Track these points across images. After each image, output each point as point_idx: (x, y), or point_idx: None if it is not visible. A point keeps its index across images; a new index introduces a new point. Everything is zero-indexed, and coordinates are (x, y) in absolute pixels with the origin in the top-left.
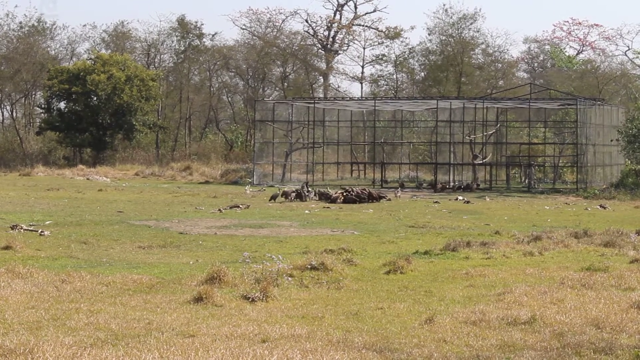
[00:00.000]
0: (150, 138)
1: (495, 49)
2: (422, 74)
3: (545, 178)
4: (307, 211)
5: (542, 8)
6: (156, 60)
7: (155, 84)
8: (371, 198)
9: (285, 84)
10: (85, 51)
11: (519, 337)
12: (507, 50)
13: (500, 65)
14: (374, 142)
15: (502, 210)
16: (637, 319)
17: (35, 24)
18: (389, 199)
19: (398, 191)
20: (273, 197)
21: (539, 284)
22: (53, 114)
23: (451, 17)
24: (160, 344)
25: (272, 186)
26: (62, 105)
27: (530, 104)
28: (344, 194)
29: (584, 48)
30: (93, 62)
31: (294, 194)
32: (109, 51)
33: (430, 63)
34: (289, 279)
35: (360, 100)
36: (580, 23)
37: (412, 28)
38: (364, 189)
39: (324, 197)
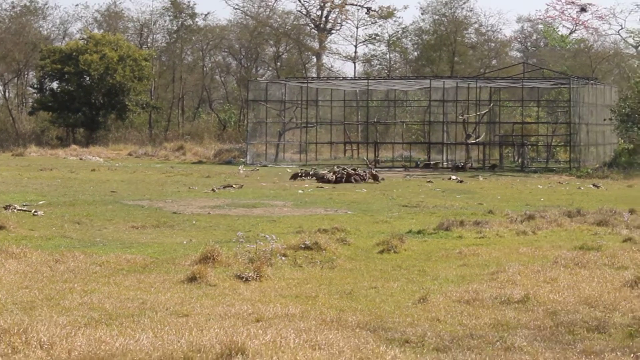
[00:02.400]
0: (143, 118)
1: (489, 28)
2: (415, 53)
3: (539, 157)
4: (300, 191)
5: None
6: (149, 40)
7: (148, 64)
8: (374, 178)
9: (278, 63)
10: (77, 31)
11: (513, 315)
12: (500, 29)
13: (493, 44)
14: (367, 121)
15: (496, 189)
16: (630, 298)
17: (27, 3)
18: (383, 179)
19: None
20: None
21: (532, 263)
22: (45, 94)
23: None
24: (154, 324)
25: (265, 166)
26: (54, 85)
27: (523, 83)
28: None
29: (577, 27)
30: (85, 42)
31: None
32: (102, 31)
33: (423, 42)
34: (283, 258)
35: (353, 79)
36: (573, 2)
37: (405, 7)
38: (369, 170)
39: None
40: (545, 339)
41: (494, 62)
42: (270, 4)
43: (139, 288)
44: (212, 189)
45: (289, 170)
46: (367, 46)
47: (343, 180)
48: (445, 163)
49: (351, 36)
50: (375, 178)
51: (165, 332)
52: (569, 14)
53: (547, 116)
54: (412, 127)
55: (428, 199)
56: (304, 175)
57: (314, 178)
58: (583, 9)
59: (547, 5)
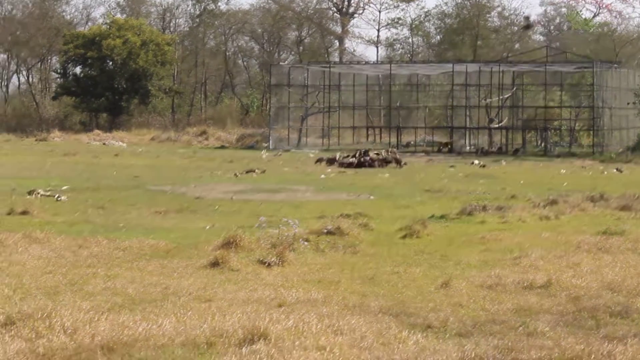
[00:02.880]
0: (166, 103)
1: (512, 11)
2: (438, 37)
3: (562, 142)
4: (322, 176)
5: None
6: (171, 24)
7: (170, 49)
8: (397, 162)
9: (301, 48)
10: (100, 16)
11: (535, 301)
12: (523, 13)
13: (516, 28)
14: (390, 106)
15: (518, 174)
16: None
17: None
18: (405, 163)
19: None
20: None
21: (555, 248)
22: (69, 79)
23: None
24: (177, 309)
25: (287, 150)
26: (77, 70)
27: (547, 67)
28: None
29: (600, 10)
30: (108, 27)
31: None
32: (124, 16)
33: (446, 26)
34: (305, 243)
35: (375, 64)
36: None
37: None
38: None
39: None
40: (568, 324)
41: (517, 46)
42: None
43: (161, 273)
44: (235, 174)
45: (311, 155)
46: (389, 30)
47: (366, 164)
48: (468, 147)
49: (374, 20)
50: (398, 162)
51: (188, 317)
52: None
53: (570, 100)
54: (434, 112)
55: (450, 184)
56: (326, 160)
57: (337, 163)
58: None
59: None
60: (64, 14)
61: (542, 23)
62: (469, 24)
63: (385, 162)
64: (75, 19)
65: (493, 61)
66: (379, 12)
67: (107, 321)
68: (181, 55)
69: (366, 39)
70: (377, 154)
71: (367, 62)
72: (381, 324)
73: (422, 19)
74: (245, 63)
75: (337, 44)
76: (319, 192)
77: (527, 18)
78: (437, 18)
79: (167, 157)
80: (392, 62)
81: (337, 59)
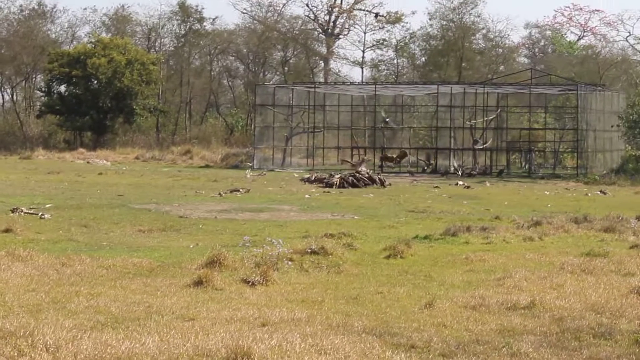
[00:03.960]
0: (150, 122)
1: (496, 34)
2: (423, 59)
3: (546, 163)
4: (307, 195)
5: None
6: (157, 44)
7: (155, 68)
8: (380, 183)
9: (286, 68)
10: (85, 35)
11: (519, 321)
12: (508, 35)
13: (501, 50)
14: (375, 126)
15: (502, 195)
16: (637, 304)
17: (36, 7)
18: (389, 184)
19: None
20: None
21: (539, 269)
22: (53, 98)
23: (452, 2)
24: (160, 327)
25: (272, 170)
26: (62, 88)
27: (531, 89)
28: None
29: (585, 34)
30: (93, 46)
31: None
32: (110, 35)
33: (431, 48)
34: (289, 263)
35: (360, 85)
36: (581, 9)
37: (413, 13)
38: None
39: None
40: (552, 345)
41: (501, 67)
42: (278, 8)
43: (145, 292)
44: (219, 193)
45: (295, 175)
46: (374, 51)
47: (349, 185)
48: (452, 169)
49: (359, 41)
50: (381, 183)
51: (171, 336)
52: (577, 20)
53: (554, 122)
54: (419, 132)
55: (435, 205)
56: (312, 180)
57: (321, 183)
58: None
59: (555, 11)
60: (49, 32)
61: (526, 45)
62: (454, 46)
63: (370, 181)
64: (60, 38)
65: (478, 83)
66: (364, 33)
67: (90, 340)
68: (166, 75)
69: (351, 59)
70: (367, 172)
71: (352, 83)
72: (365, 343)
73: (407, 41)
74: (230, 83)
75: (322, 64)
76: (303, 211)
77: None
78: (422, 40)
79: (151, 175)
80: (377, 83)
81: (322, 80)
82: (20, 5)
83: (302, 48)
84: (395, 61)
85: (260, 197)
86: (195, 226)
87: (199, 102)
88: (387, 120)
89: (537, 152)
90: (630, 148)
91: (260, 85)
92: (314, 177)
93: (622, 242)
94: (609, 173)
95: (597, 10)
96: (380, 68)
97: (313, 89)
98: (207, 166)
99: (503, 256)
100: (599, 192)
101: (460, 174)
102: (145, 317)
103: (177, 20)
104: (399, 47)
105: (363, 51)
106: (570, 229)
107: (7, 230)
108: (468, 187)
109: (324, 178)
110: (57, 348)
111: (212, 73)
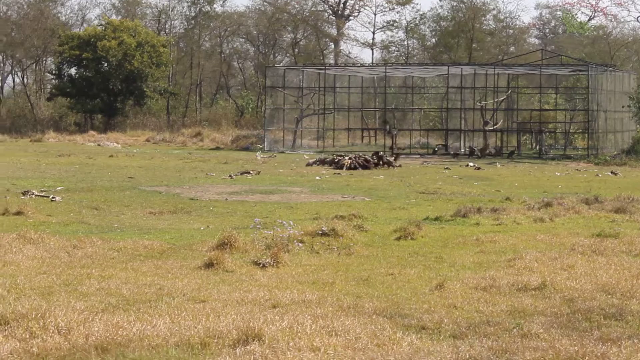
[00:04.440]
0: (161, 104)
1: (507, 14)
2: (433, 40)
3: (556, 144)
4: (317, 177)
5: None
6: (167, 26)
7: (166, 50)
8: (388, 164)
9: (296, 50)
10: (95, 17)
11: (529, 302)
12: (519, 16)
13: (511, 31)
14: (385, 108)
15: (513, 176)
16: None
17: None
18: (400, 165)
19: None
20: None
21: (550, 250)
22: (64, 80)
23: None
24: (172, 309)
25: (282, 152)
26: (72, 71)
27: (542, 70)
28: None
29: (595, 14)
30: (104, 28)
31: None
32: (120, 17)
33: (441, 29)
34: (300, 244)
35: (371, 66)
36: None
37: None
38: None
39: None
40: (562, 326)
41: (512, 48)
42: None
43: (156, 274)
44: (230, 175)
45: (306, 157)
46: (384, 33)
47: (360, 167)
48: (462, 150)
49: (369, 23)
50: (389, 164)
51: (182, 318)
52: (588, 0)
53: (565, 103)
54: (429, 114)
55: (445, 186)
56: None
57: (332, 165)
58: None
59: None
60: (59, 15)
61: (536, 26)
62: (464, 27)
63: (379, 162)
64: (70, 20)
65: (488, 64)
66: (374, 14)
67: (101, 321)
68: (176, 57)
69: (361, 41)
70: (379, 154)
71: (362, 65)
72: (375, 325)
73: (417, 22)
74: (240, 65)
75: (333, 46)
76: (314, 193)
77: None
78: (433, 21)
79: (161, 158)
80: (387, 64)
81: (332, 61)
82: None
83: (312, 30)
84: (405, 42)
85: (271, 179)
86: (205, 208)
87: (209, 84)
88: (391, 127)
89: (547, 133)
90: None
91: (271, 67)
92: (317, 159)
93: (633, 222)
94: (619, 154)
95: None
96: (390, 49)
97: (323, 71)
98: (217, 148)
99: (514, 237)
100: (609, 173)
101: (479, 154)
102: (156, 299)
103: (187, 2)
104: (409, 29)
105: (373, 32)
106: (581, 210)
107: (18, 213)
108: (478, 168)
109: (327, 159)
110: (68, 330)
111: (222, 55)
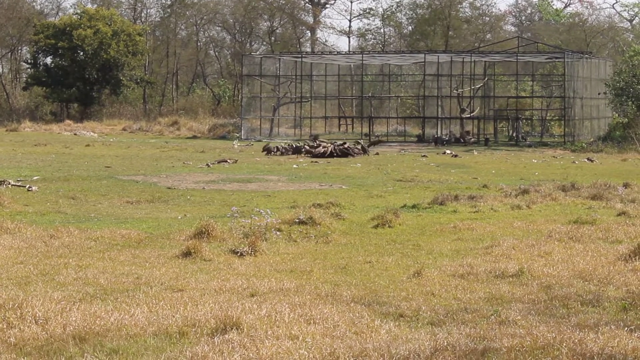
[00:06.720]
0: (137, 93)
1: (483, 2)
2: (410, 27)
3: (533, 131)
4: (295, 165)
5: None
6: (143, 14)
7: (142, 39)
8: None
9: (273, 38)
10: (71, 6)
11: (507, 289)
12: (495, 3)
13: (487, 18)
14: (362, 96)
15: (490, 164)
16: (624, 271)
17: None
18: (377, 153)
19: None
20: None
21: (527, 237)
22: (39, 69)
23: None
24: (149, 299)
25: (259, 141)
26: (48, 60)
27: (518, 57)
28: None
29: (571, 1)
30: (79, 17)
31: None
32: (95, 6)
33: (418, 17)
34: (277, 233)
35: (347, 54)
36: None
37: None
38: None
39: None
40: (540, 313)
41: (488, 36)
42: None
43: (133, 263)
44: (207, 164)
45: (283, 145)
46: (361, 20)
47: (336, 154)
48: (453, 138)
49: (345, 10)
50: (364, 151)
51: (160, 307)
52: None
53: (541, 90)
54: (406, 102)
55: (422, 174)
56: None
57: (305, 153)
58: None
59: None
60: (34, 4)
61: (513, 13)
62: (441, 15)
63: (352, 151)
64: (45, 9)
65: (465, 51)
66: (351, 2)
67: (79, 311)
68: (152, 46)
69: (338, 29)
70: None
71: (339, 52)
72: (353, 313)
73: (393, 10)
74: (216, 53)
75: (309, 34)
76: (291, 181)
77: None
78: (409, 8)
79: (138, 147)
80: (364, 52)
81: (309, 49)
82: None
83: (288, 18)
84: (382, 30)
85: (248, 167)
86: (183, 197)
87: (186, 73)
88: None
89: (524, 120)
90: (617, 115)
91: (247, 56)
92: (275, 148)
93: (610, 209)
94: (596, 140)
95: None
96: (367, 37)
97: (300, 59)
98: (194, 137)
99: (491, 225)
100: (586, 160)
101: (463, 141)
102: (134, 289)
103: None
104: (385, 16)
105: (350, 20)
106: (557, 197)
107: None
108: (456, 155)
109: (285, 149)
110: (46, 320)
111: (199, 44)
